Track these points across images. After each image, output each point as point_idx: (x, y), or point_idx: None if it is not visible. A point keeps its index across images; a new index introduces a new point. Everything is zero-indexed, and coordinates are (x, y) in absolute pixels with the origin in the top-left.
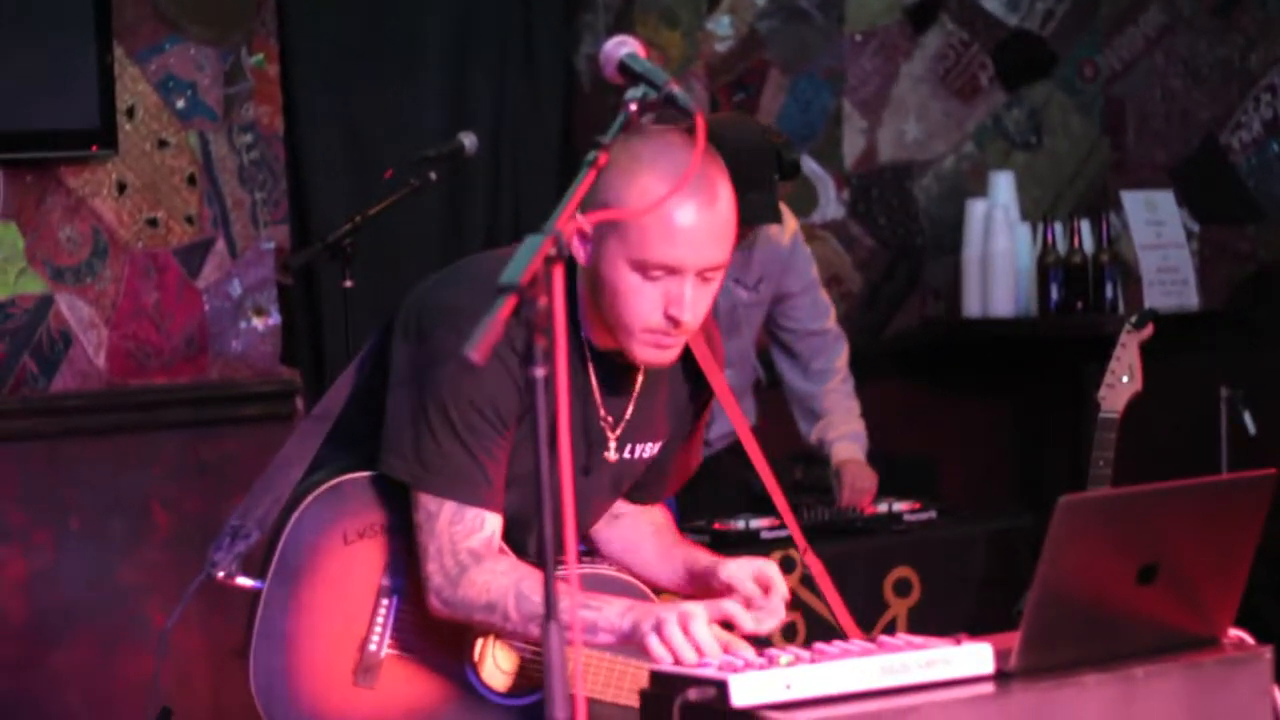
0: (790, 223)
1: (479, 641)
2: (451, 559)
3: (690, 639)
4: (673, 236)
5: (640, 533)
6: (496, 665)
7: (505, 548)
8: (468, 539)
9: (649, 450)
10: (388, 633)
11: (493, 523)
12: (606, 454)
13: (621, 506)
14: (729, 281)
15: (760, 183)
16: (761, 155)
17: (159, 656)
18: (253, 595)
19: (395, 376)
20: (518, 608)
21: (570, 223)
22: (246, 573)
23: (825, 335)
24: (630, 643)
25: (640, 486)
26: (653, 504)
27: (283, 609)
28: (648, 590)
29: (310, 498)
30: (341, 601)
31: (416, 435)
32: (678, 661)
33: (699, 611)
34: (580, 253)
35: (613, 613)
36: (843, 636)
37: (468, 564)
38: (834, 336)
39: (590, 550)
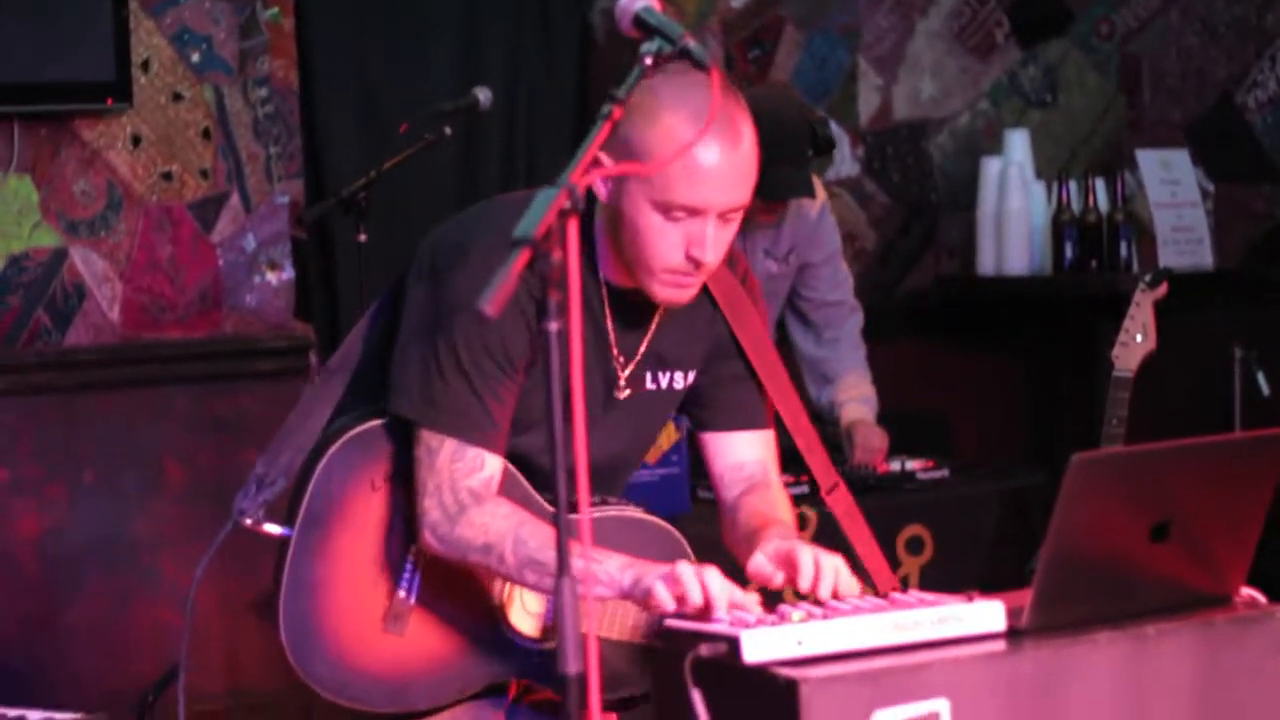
0: (820, 193)
1: (506, 585)
2: (451, 496)
3: (700, 583)
4: (697, 179)
5: (743, 525)
6: (524, 609)
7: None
8: (468, 478)
9: (680, 381)
10: (417, 579)
11: (493, 464)
12: (617, 391)
13: (748, 481)
14: (760, 254)
15: (795, 157)
16: (798, 129)
17: (189, 608)
18: (280, 543)
19: (408, 316)
20: (514, 551)
21: (589, 172)
22: (273, 520)
23: (842, 306)
24: (629, 598)
25: (714, 412)
26: (746, 428)
27: (311, 556)
28: (679, 536)
29: (337, 444)
30: (370, 548)
31: (424, 373)
32: (681, 605)
33: (713, 568)
34: (601, 189)
35: (612, 566)
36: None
37: (467, 503)
38: (850, 308)
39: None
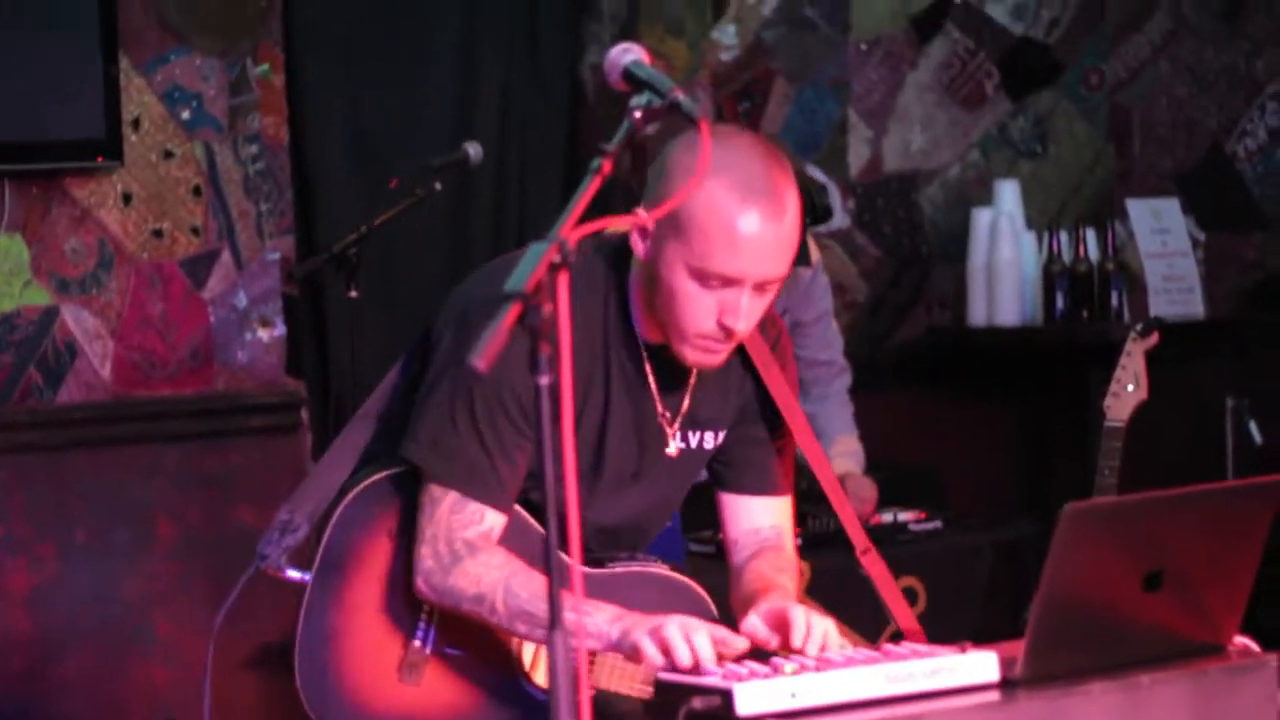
0: (814, 253)
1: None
2: (446, 546)
3: (688, 643)
4: (736, 249)
5: (745, 588)
6: (543, 662)
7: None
8: (465, 529)
9: (710, 441)
10: (434, 629)
11: (492, 519)
12: (666, 450)
13: (761, 545)
14: None
15: None
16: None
17: (208, 659)
18: (300, 590)
19: (434, 364)
20: (505, 602)
21: (635, 219)
22: (295, 566)
23: (832, 366)
24: (618, 650)
25: (736, 474)
26: (766, 494)
27: (327, 604)
28: (702, 593)
29: (354, 492)
30: (386, 597)
31: (437, 424)
32: (670, 661)
33: (700, 624)
34: (639, 248)
35: (601, 619)
36: (896, 636)
37: (462, 554)
38: (840, 368)
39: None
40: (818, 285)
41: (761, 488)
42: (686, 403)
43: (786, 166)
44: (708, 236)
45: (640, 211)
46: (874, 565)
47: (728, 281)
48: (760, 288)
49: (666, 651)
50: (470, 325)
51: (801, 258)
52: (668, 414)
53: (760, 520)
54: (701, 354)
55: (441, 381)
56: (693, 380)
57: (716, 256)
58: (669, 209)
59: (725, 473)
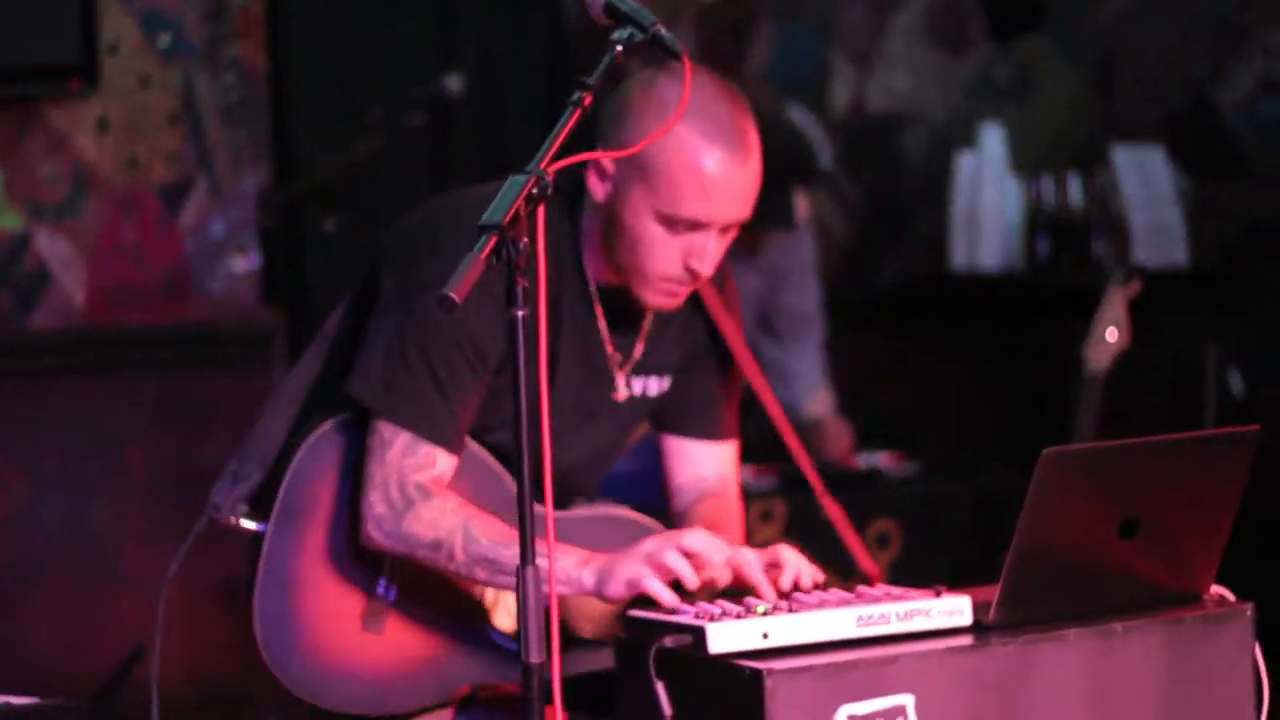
0: (801, 210)
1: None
2: (398, 491)
3: (686, 562)
4: (706, 194)
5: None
6: (508, 609)
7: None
8: (418, 473)
9: (655, 388)
10: (396, 577)
11: (445, 463)
12: (614, 394)
13: (704, 493)
14: (738, 265)
15: (779, 184)
16: (787, 157)
17: (161, 606)
18: (254, 539)
19: (380, 304)
20: (464, 548)
21: (593, 158)
22: (249, 515)
23: (808, 317)
24: (592, 593)
25: (682, 419)
26: (712, 439)
27: (286, 552)
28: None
29: (313, 437)
30: (347, 546)
31: (388, 362)
32: (682, 582)
33: (687, 532)
34: (598, 190)
35: (568, 563)
36: (864, 581)
37: (415, 498)
38: (815, 320)
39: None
40: (803, 238)
41: (707, 432)
42: (639, 347)
43: (747, 105)
44: (676, 182)
45: (600, 153)
46: (834, 506)
47: (695, 225)
48: (725, 230)
49: (674, 582)
50: (412, 265)
51: (784, 217)
52: (618, 357)
53: (705, 469)
54: (664, 297)
55: (389, 320)
56: (646, 326)
57: (686, 201)
58: (637, 150)
59: (670, 417)
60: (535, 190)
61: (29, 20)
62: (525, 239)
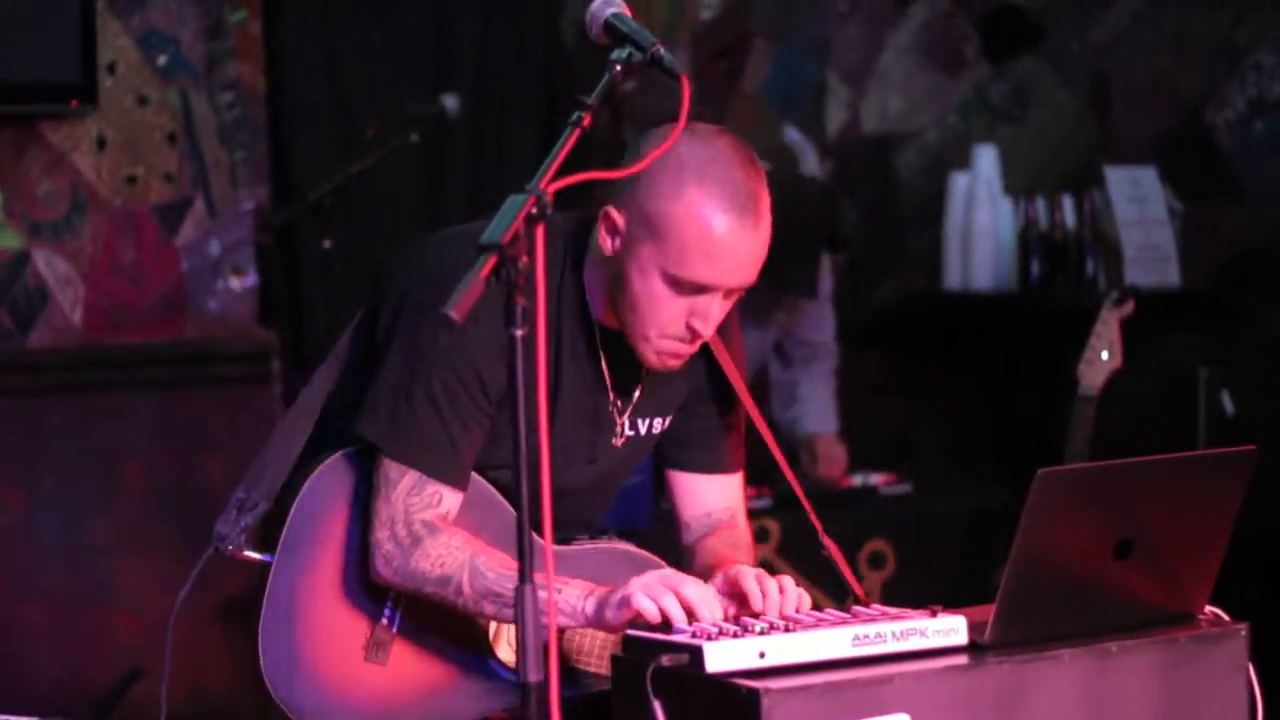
0: (825, 285)
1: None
2: (405, 529)
3: (680, 598)
4: (715, 259)
5: (698, 566)
6: (510, 642)
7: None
8: (424, 511)
9: (658, 425)
10: (400, 608)
11: (450, 500)
12: (614, 440)
13: (714, 525)
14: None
15: (806, 252)
16: (814, 225)
17: (169, 633)
18: (260, 569)
19: (382, 340)
20: (471, 584)
21: (605, 212)
22: (254, 546)
23: (822, 347)
24: (593, 624)
25: (688, 455)
26: (719, 473)
27: (291, 582)
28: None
29: (319, 468)
30: (352, 575)
31: (394, 400)
32: (662, 612)
33: (684, 577)
34: (607, 243)
35: (572, 594)
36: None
37: (422, 535)
38: (829, 350)
39: (605, 530)
40: (824, 273)
41: (712, 466)
42: (638, 393)
43: (761, 169)
44: (685, 244)
45: (611, 209)
46: (833, 546)
47: (701, 288)
48: (730, 293)
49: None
50: (413, 300)
51: (807, 289)
52: (619, 402)
53: (712, 502)
54: (665, 356)
55: (394, 357)
56: (644, 372)
57: (693, 264)
58: (637, 169)
59: (675, 452)
60: (534, 210)
61: (28, 39)
62: (524, 258)
